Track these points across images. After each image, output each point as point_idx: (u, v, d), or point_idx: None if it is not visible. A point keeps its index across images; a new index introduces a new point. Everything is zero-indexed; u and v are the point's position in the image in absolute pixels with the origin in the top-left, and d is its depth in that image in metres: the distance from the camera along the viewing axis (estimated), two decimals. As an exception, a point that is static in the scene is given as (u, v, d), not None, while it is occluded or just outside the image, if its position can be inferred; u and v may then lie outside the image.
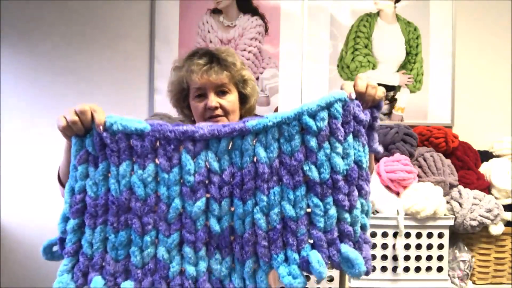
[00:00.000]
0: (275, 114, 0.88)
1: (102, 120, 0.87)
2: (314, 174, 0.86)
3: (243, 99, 1.28)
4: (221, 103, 1.20)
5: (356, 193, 0.92)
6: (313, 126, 0.86)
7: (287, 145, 0.87)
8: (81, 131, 0.89)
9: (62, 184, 1.01)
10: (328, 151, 0.87)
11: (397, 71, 2.12)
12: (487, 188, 1.86)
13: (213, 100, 1.19)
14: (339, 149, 0.87)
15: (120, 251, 0.87)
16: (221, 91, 1.21)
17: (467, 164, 1.90)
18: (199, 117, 1.22)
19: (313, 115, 0.88)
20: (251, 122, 0.87)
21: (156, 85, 2.06)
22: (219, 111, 1.20)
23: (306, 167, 0.87)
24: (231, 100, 1.22)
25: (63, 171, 0.99)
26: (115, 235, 0.87)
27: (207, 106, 1.19)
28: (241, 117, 1.29)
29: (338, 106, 0.87)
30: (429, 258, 1.70)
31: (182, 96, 1.27)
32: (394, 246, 1.67)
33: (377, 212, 1.68)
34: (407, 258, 1.68)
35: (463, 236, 1.79)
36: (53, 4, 2.05)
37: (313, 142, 0.86)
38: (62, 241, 0.91)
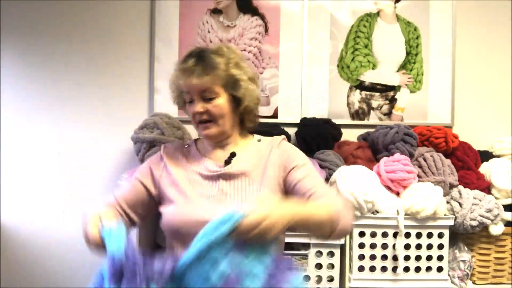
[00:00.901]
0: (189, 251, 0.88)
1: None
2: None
3: (237, 101, 1.19)
4: (207, 108, 1.15)
5: None
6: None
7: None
8: None
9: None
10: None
11: (397, 71, 2.12)
12: (487, 188, 1.86)
13: (197, 105, 1.15)
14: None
15: None
16: (206, 96, 1.15)
17: (467, 164, 1.90)
18: (192, 122, 1.21)
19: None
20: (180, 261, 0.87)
21: (156, 85, 2.06)
22: (205, 117, 1.16)
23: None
24: (218, 104, 1.15)
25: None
26: None
27: (193, 112, 1.16)
28: (241, 121, 1.23)
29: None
30: (429, 258, 1.70)
31: (181, 98, 1.24)
32: (394, 246, 1.67)
33: (377, 212, 1.68)
34: (407, 258, 1.68)
35: (463, 236, 1.79)
36: (53, 4, 2.05)
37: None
38: None
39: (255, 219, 0.87)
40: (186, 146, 1.30)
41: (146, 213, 1.24)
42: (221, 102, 1.16)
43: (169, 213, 1.15)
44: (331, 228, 1.04)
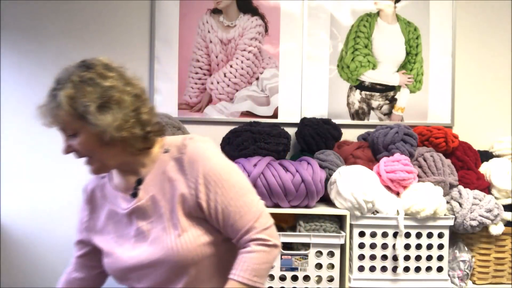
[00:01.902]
0: None
1: None
2: None
3: (99, 134, 0.95)
4: (73, 145, 0.99)
5: None
6: None
7: None
8: None
9: None
10: None
11: (397, 71, 2.12)
12: (487, 188, 1.86)
13: (64, 143, 1.00)
14: None
15: None
16: (67, 133, 0.99)
17: (467, 164, 1.90)
18: None
19: None
20: None
21: (156, 85, 2.06)
22: (77, 155, 1.00)
23: None
24: (81, 141, 0.97)
25: None
26: None
27: None
28: (130, 147, 1.00)
29: None
30: (429, 258, 1.70)
31: None
32: (394, 246, 1.67)
33: (377, 212, 1.68)
34: (407, 258, 1.68)
35: (463, 236, 1.79)
36: (53, 4, 2.05)
37: None
38: None
39: None
40: (102, 176, 1.13)
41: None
42: (83, 138, 0.97)
43: (104, 264, 1.08)
44: None
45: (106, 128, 0.94)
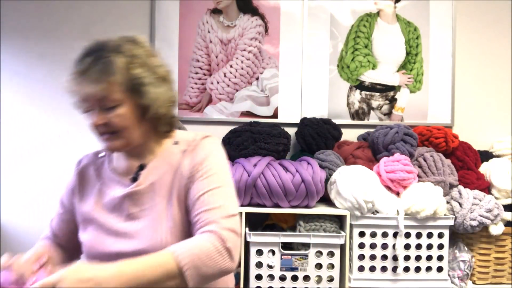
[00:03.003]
0: None
1: None
2: None
3: (144, 107, 0.98)
4: (108, 119, 0.95)
5: None
6: None
7: None
8: None
9: None
10: None
11: (397, 71, 2.12)
12: (487, 188, 1.86)
13: (96, 116, 0.96)
14: None
15: None
16: (105, 105, 0.95)
17: (467, 164, 1.90)
18: (94, 134, 1.01)
19: None
20: None
21: (156, 85, 2.05)
22: (106, 129, 0.97)
23: None
24: (120, 114, 0.95)
25: None
26: None
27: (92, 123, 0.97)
28: (155, 128, 1.03)
29: None
30: (429, 258, 1.70)
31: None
32: (394, 246, 1.67)
33: (377, 212, 1.68)
34: (407, 258, 1.68)
35: (463, 236, 1.79)
36: (53, 4, 2.05)
37: None
38: None
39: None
40: (101, 156, 1.12)
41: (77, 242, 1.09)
42: (124, 111, 0.96)
43: (83, 244, 1.04)
44: (177, 283, 0.85)
45: (154, 102, 0.97)
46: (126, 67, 0.95)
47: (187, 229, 0.98)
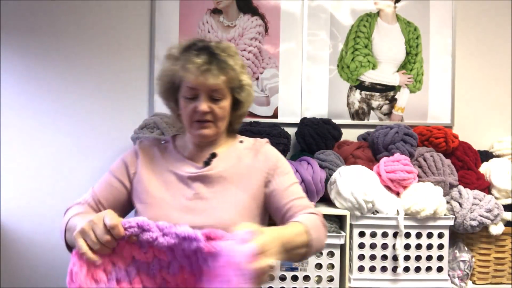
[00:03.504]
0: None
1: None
2: None
3: (236, 105, 1.19)
4: (213, 108, 1.12)
5: None
6: None
7: None
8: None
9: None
10: None
11: (397, 71, 2.12)
12: (487, 188, 1.86)
13: (204, 104, 1.11)
14: None
15: None
16: (215, 96, 1.13)
17: (467, 164, 1.90)
18: (187, 118, 1.15)
19: None
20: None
21: (156, 85, 2.05)
22: (208, 117, 1.13)
23: None
24: (223, 106, 1.14)
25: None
26: None
27: (196, 109, 1.12)
28: (230, 124, 1.23)
29: None
30: (429, 258, 1.70)
31: (172, 89, 1.19)
32: (394, 246, 1.67)
33: (377, 212, 1.68)
34: (407, 258, 1.68)
35: (463, 236, 1.79)
36: (53, 4, 2.05)
37: None
38: None
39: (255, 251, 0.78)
40: (163, 142, 1.25)
41: (122, 212, 1.19)
42: (226, 104, 1.15)
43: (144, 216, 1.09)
44: (306, 251, 0.99)
45: (246, 100, 1.19)
46: (239, 70, 1.15)
47: (254, 212, 1.13)
